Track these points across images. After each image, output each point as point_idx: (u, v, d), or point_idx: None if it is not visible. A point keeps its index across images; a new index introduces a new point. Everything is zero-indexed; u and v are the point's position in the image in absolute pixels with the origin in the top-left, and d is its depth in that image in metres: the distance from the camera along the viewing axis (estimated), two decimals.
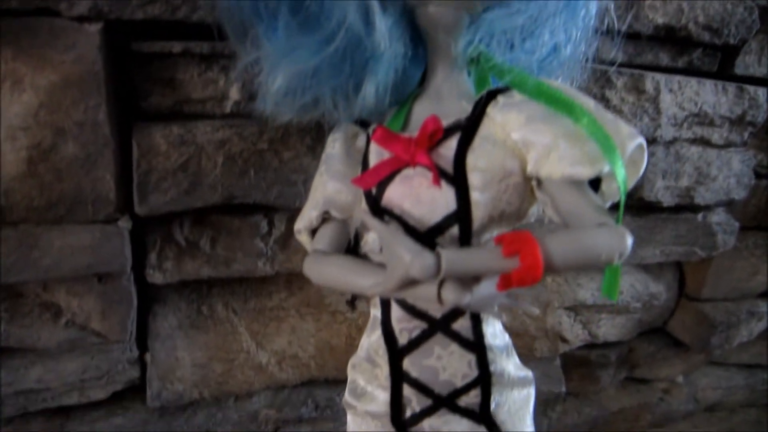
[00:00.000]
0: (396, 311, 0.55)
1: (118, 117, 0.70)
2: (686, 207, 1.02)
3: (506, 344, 0.57)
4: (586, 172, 0.49)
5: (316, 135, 0.73)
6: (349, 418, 0.62)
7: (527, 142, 0.51)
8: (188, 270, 0.78)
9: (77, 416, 0.83)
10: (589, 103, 0.51)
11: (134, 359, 0.82)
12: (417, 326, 0.54)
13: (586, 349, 1.14)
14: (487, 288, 0.50)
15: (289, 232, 0.81)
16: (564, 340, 1.08)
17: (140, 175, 0.68)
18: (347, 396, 0.62)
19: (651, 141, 0.92)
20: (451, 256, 0.46)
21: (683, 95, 0.91)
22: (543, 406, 1.18)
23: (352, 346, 0.92)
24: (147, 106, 0.71)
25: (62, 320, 0.76)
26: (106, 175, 0.68)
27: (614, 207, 0.55)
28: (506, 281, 0.46)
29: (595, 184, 0.53)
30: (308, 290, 0.90)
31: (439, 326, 0.54)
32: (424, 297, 0.48)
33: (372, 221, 0.50)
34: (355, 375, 0.61)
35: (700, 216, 1.04)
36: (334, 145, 0.60)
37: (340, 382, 0.93)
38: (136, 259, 0.77)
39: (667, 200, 0.97)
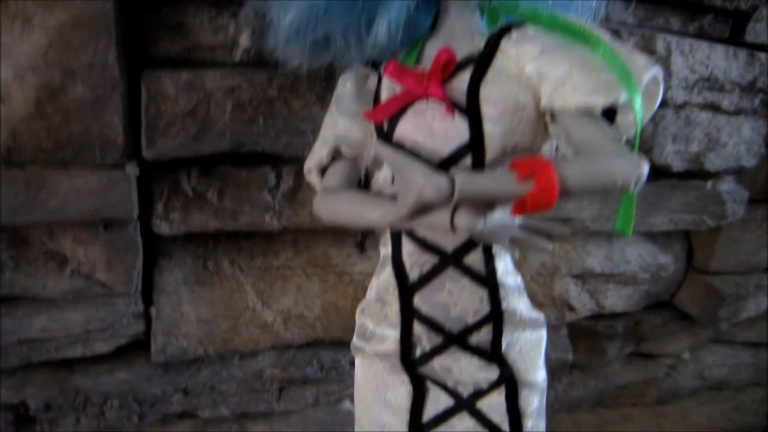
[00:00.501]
0: (407, 245, 0.54)
1: (128, 62, 0.69)
2: (696, 173, 1.01)
3: (518, 284, 0.57)
4: (601, 101, 0.48)
5: (325, 85, 0.73)
6: (357, 362, 0.62)
7: (541, 73, 0.50)
8: (195, 222, 0.78)
9: (81, 370, 0.82)
10: (604, 34, 0.51)
11: (139, 313, 0.82)
12: (428, 260, 0.53)
13: (592, 320, 1.14)
14: (501, 216, 0.49)
15: (297, 187, 0.81)
16: (571, 309, 1.07)
17: (149, 119, 0.68)
18: (355, 339, 0.61)
19: (662, 103, 0.91)
20: (465, 178, 0.46)
21: (694, 58, 0.90)
22: (550, 376, 1.17)
23: None
24: (156, 52, 0.71)
25: (67, 269, 0.75)
26: (114, 119, 0.67)
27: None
28: (520, 205, 0.46)
29: (610, 119, 0.53)
30: (315, 250, 0.89)
31: (450, 260, 0.53)
32: (437, 224, 0.48)
33: (384, 149, 0.50)
34: (364, 319, 0.61)
35: (709, 184, 1.03)
36: (345, 85, 0.60)
37: (346, 344, 0.92)
38: (142, 211, 0.76)
39: (677, 165, 0.97)
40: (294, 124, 0.73)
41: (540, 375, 0.58)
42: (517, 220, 0.52)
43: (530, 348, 0.57)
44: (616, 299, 1.13)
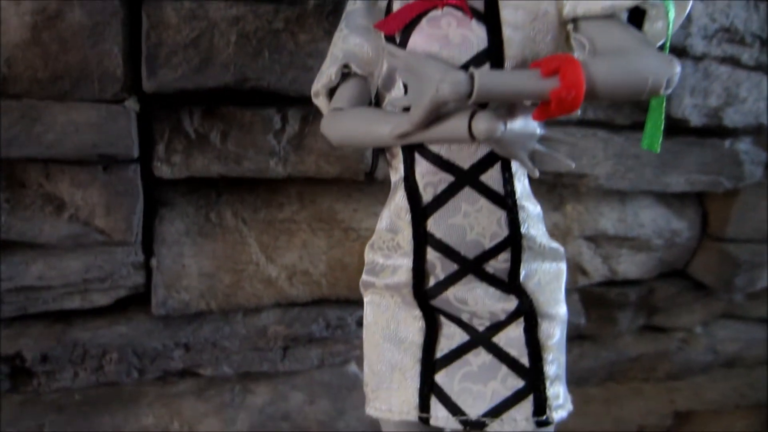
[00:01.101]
0: (420, 165, 0.51)
1: None
2: (713, 130, 0.98)
3: (538, 212, 0.54)
4: (629, 2, 0.45)
5: (333, 20, 0.70)
6: (367, 300, 0.58)
7: None
8: (197, 166, 0.75)
9: (79, 323, 0.79)
10: None
11: (139, 264, 0.79)
12: (443, 179, 0.50)
13: (605, 287, 1.11)
14: (523, 122, 0.46)
15: (303, 132, 0.78)
16: (584, 273, 1.04)
17: (149, 48, 0.65)
18: (365, 276, 0.58)
19: (681, 52, 0.88)
20: (485, 74, 0.43)
21: (714, 5, 0.88)
22: None
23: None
24: None
25: (65, 214, 0.72)
26: (114, 49, 0.64)
27: None
28: (544, 106, 0.43)
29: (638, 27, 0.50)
30: (320, 204, 0.86)
31: (466, 178, 0.50)
32: (454, 131, 0.45)
33: (396, 50, 0.47)
34: (374, 255, 0.57)
35: (727, 143, 1.00)
36: (355, 3, 0.57)
37: (352, 302, 0.90)
38: (143, 155, 0.73)
39: (695, 120, 0.94)
40: (300, 59, 0.70)
41: (561, 308, 0.55)
42: (539, 130, 0.49)
43: (549, 280, 0.54)
44: (629, 265, 1.10)
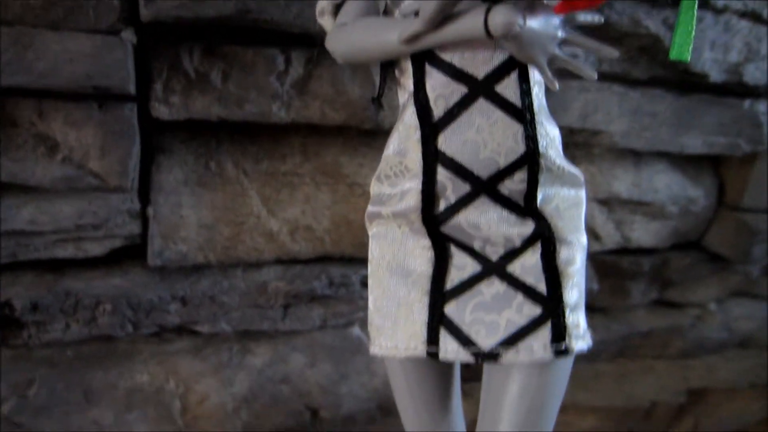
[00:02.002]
0: (431, 77, 0.47)
1: None
2: (733, 88, 0.94)
3: (556, 133, 0.50)
4: None
5: None
6: (372, 233, 0.55)
7: None
8: (197, 107, 0.72)
9: (71, 273, 0.76)
10: None
11: (135, 212, 0.76)
12: (455, 90, 0.47)
13: (617, 255, 1.07)
14: (544, 20, 0.43)
15: (308, 76, 0.75)
16: (596, 237, 1.01)
17: None
18: (370, 207, 0.54)
19: (702, 3, 0.84)
20: None
21: None
22: None
23: None
24: None
25: (58, 156, 0.69)
26: None
27: None
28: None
29: None
30: (324, 157, 0.83)
31: (481, 89, 0.46)
32: (468, 28, 0.41)
33: None
34: (380, 186, 0.54)
35: (746, 103, 0.97)
36: None
37: (357, 260, 0.87)
38: (140, 95, 0.70)
39: (714, 75, 0.90)
40: None
41: (581, 236, 0.51)
42: (560, 32, 0.45)
43: (568, 206, 0.51)
44: (643, 233, 1.06)
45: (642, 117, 0.91)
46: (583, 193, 0.52)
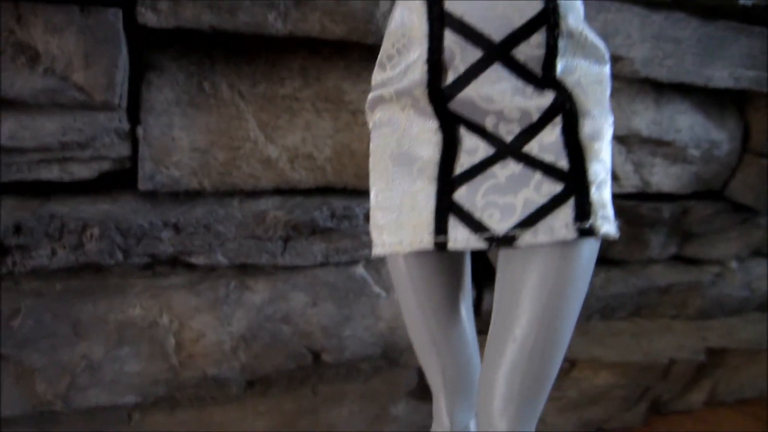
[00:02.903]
0: None
1: None
2: (764, 14, 0.88)
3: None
4: None
5: None
6: (375, 121, 0.50)
7: None
8: (187, 14, 0.67)
9: (58, 198, 0.72)
10: None
11: (124, 133, 0.71)
12: None
13: (637, 200, 1.01)
14: None
15: None
16: (614, 178, 0.95)
17: None
18: (372, 94, 0.49)
19: None
20: None
21: None
22: None
23: None
24: None
25: (40, 67, 0.65)
26: None
27: None
28: None
29: None
30: (326, 82, 0.78)
31: None
32: None
33: None
34: (381, 73, 0.48)
35: None
36: None
37: (360, 193, 0.82)
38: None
39: None
40: None
41: (606, 111, 0.46)
42: None
43: (592, 82, 0.45)
44: (663, 177, 1.01)
45: (664, 43, 0.85)
46: (607, 70, 0.47)
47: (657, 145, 0.96)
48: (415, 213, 0.46)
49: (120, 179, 0.75)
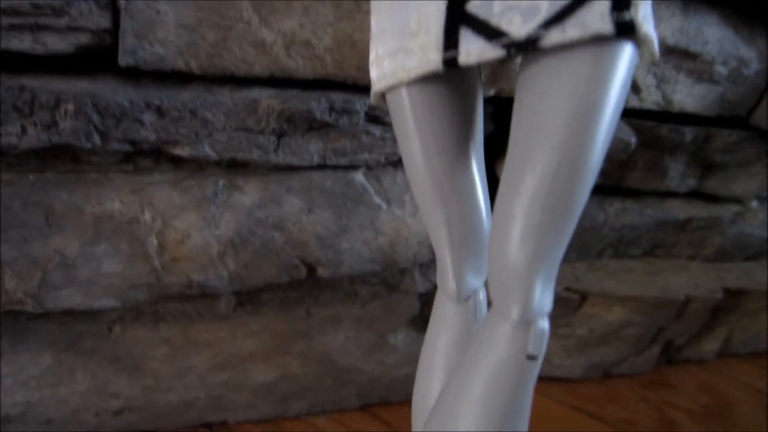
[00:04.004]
0: None
1: None
2: None
3: None
4: None
5: None
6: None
7: None
8: None
9: (30, 72, 0.65)
10: None
11: (104, 1, 0.65)
12: None
13: (658, 121, 0.95)
14: None
15: None
16: (636, 88, 0.89)
17: None
18: None
19: None
20: None
21: None
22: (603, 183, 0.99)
23: None
24: None
25: None
26: None
27: None
28: None
29: None
30: None
31: None
32: None
33: None
34: None
35: None
36: None
37: (361, 88, 0.76)
38: None
39: None
40: None
41: None
42: None
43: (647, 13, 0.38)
44: (686, 96, 0.94)
45: None
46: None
47: (683, 57, 0.89)
48: (422, 32, 0.39)
49: (100, 59, 0.68)
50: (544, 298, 0.36)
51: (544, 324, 0.36)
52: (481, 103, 0.46)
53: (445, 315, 0.46)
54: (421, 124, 0.42)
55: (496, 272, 0.37)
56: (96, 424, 0.84)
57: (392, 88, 0.42)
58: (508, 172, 0.39)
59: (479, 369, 0.37)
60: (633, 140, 0.88)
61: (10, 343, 0.75)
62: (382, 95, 0.44)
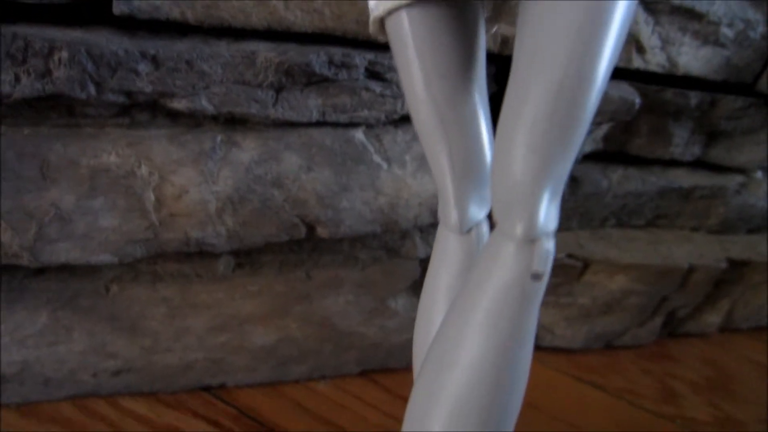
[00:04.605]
0: None
1: None
2: None
3: None
4: None
5: None
6: None
7: None
8: None
9: (22, 21, 0.64)
10: None
11: None
12: None
13: (662, 84, 0.94)
14: None
15: None
16: (640, 49, 0.87)
17: None
18: None
19: None
20: None
21: None
22: (609, 149, 0.98)
23: None
24: None
25: None
26: None
27: None
28: None
29: None
30: None
31: None
32: None
33: None
34: None
35: None
36: None
37: (361, 43, 0.74)
38: None
39: None
40: None
41: None
42: None
43: None
44: (691, 59, 0.93)
45: None
46: None
47: (688, 18, 0.88)
48: None
49: (95, 10, 0.67)
50: (549, 215, 0.35)
51: (550, 243, 0.35)
52: (484, 36, 0.45)
53: (446, 249, 0.45)
54: (422, 48, 0.41)
55: (499, 190, 0.36)
56: (94, 384, 0.83)
57: (392, 13, 0.41)
58: (509, 96, 0.38)
59: (482, 291, 0.35)
60: (637, 100, 0.87)
61: (7, 301, 0.75)
62: (381, 24, 0.43)
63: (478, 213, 0.44)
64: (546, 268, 0.35)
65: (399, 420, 0.87)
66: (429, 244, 0.92)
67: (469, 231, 0.44)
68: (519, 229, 0.34)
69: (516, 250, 0.35)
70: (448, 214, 0.44)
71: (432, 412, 0.35)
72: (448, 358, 0.36)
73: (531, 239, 0.34)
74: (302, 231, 0.79)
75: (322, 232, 0.80)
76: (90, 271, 0.78)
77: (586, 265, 0.99)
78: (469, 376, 0.34)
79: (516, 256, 0.35)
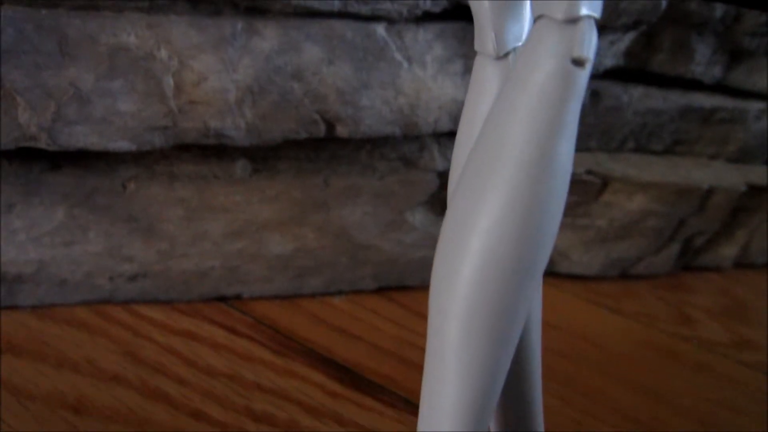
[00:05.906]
0: None
1: None
2: None
3: None
4: None
5: None
6: None
7: None
8: None
9: None
10: None
11: None
12: None
13: None
14: None
15: None
16: None
17: None
18: None
19: None
20: None
21: None
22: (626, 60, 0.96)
23: None
24: None
25: None
26: None
27: None
28: None
29: None
30: None
31: None
32: None
33: None
34: None
35: None
36: None
37: None
38: None
39: None
40: None
41: None
42: None
43: None
44: None
45: None
46: None
47: None
48: None
49: None
50: None
51: (593, 29, 0.34)
52: None
53: (484, 77, 0.43)
54: None
55: None
56: (110, 289, 0.82)
57: None
58: None
59: (523, 86, 0.34)
60: (663, 2, 0.85)
61: (23, 194, 0.74)
62: None
63: (516, 30, 0.42)
64: (589, 54, 0.33)
65: (416, 332, 0.86)
66: (447, 157, 0.91)
67: (506, 55, 0.42)
68: (560, 9, 0.33)
69: (558, 32, 0.33)
70: (485, 39, 0.43)
71: (478, 207, 0.34)
72: (492, 153, 0.35)
73: (573, 18, 0.33)
74: (321, 129, 0.78)
75: (341, 131, 0.78)
76: (107, 168, 0.77)
77: (605, 183, 0.98)
78: (510, 173, 0.33)
79: (557, 39, 0.33)
